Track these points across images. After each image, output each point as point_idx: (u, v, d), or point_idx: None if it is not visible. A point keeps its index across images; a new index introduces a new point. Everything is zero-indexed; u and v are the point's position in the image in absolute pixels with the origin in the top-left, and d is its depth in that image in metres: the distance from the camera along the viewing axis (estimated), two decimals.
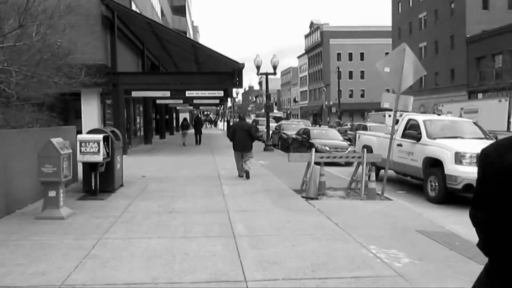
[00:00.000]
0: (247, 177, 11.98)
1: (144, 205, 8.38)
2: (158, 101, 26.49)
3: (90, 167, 8.90)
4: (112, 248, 5.61)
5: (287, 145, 22.11)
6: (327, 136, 19.23)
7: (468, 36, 41.22)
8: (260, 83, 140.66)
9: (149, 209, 8.01)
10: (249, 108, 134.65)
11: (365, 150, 10.19)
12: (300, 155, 11.10)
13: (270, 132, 27.02)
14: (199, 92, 18.65)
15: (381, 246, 5.87)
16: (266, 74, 22.02)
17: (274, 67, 21.84)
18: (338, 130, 38.07)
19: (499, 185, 1.53)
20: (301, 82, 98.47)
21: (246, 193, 9.80)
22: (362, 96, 79.38)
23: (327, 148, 17.38)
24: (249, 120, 44.58)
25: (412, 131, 11.18)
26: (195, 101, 29.61)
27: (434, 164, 10.18)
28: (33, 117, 9.80)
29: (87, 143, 8.57)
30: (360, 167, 10.10)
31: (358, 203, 9.07)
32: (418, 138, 10.91)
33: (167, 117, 39.71)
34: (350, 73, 79.19)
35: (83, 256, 5.29)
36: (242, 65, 17.44)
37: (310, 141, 18.50)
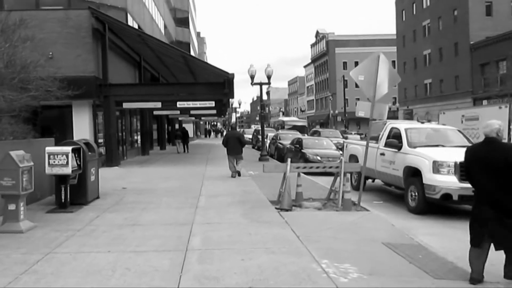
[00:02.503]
0: (239, 175, 14.69)
1: (110, 217, 8.27)
2: (155, 112, 26.53)
3: (59, 179, 8.84)
4: (56, 263, 5.50)
5: (282, 155, 21.91)
6: (320, 146, 19.01)
7: (471, 42, 40.82)
8: (268, 93, 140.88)
9: (114, 222, 7.89)
10: (257, 118, 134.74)
11: (342, 160, 9.96)
12: (276, 165, 10.94)
13: (268, 141, 26.98)
14: (190, 102, 18.62)
15: (335, 260, 5.67)
16: (260, 84, 21.95)
17: (269, 77, 21.77)
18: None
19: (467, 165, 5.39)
20: (308, 91, 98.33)
21: (221, 204, 9.65)
22: None
23: (319, 158, 17.17)
24: (251, 129, 44.93)
25: (393, 140, 10.95)
26: (194, 112, 29.63)
27: (414, 174, 9.94)
28: (9, 129, 9.80)
29: (56, 156, 8.52)
30: (339, 177, 9.88)
31: (332, 214, 8.85)
32: (399, 147, 10.68)
33: (169, 128, 39.86)
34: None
35: (22, 271, 5.19)
36: (232, 75, 17.41)
37: (302, 150, 18.33)
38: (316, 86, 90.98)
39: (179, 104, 18.36)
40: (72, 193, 9.10)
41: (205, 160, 22.03)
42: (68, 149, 8.58)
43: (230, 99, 58.37)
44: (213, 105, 18.77)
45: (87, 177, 9.50)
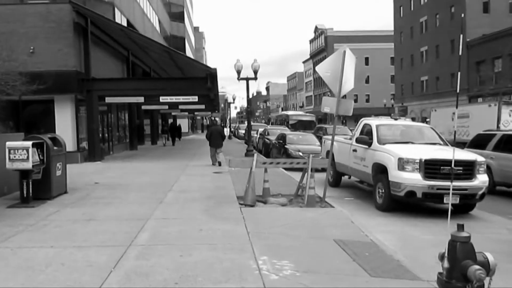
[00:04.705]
0: (219, 164, 16.36)
1: (69, 212, 8.24)
2: (144, 107, 26.46)
3: (21, 174, 8.81)
4: None
5: (269, 150, 21.88)
6: (304, 141, 18.97)
7: (468, 40, 40.55)
8: (267, 88, 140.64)
9: (70, 217, 7.87)
10: (257, 114, 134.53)
11: (311, 155, 9.88)
12: (242, 160, 10.87)
13: (257, 137, 26.96)
14: (173, 97, 18.57)
15: (275, 257, 5.63)
16: (247, 79, 21.85)
17: (255, 72, 21.66)
18: None
19: None
20: (306, 87, 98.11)
21: (186, 200, 9.61)
22: (367, 101, 78.74)
23: (300, 154, 17.12)
24: (244, 125, 45.01)
25: (364, 136, 10.89)
26: (184, 107, 29.55)
27: (382, 171, 9.88)
28: None
29: (16, 150, 8.49)
30: (306, 173, 9.83)
31: (293, 210, 8.82)
32: (369, 143, 10.62)
33: (163, 123, 39.85)
34: (355, 77, 78.49)
35: None
36: (214, 70, 17.36)
37: (285, 146, 18.29)
38: (315, 82, 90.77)
39: (162, 99, 18.33)
40: (36, 188, 9.09)
41: (191, 155, 22.02)
42: (28, 143, 8.54)
43: (226, 95, 57.89)
44: (196, 99, 18.72)
45: (51, 172, 9.46)
